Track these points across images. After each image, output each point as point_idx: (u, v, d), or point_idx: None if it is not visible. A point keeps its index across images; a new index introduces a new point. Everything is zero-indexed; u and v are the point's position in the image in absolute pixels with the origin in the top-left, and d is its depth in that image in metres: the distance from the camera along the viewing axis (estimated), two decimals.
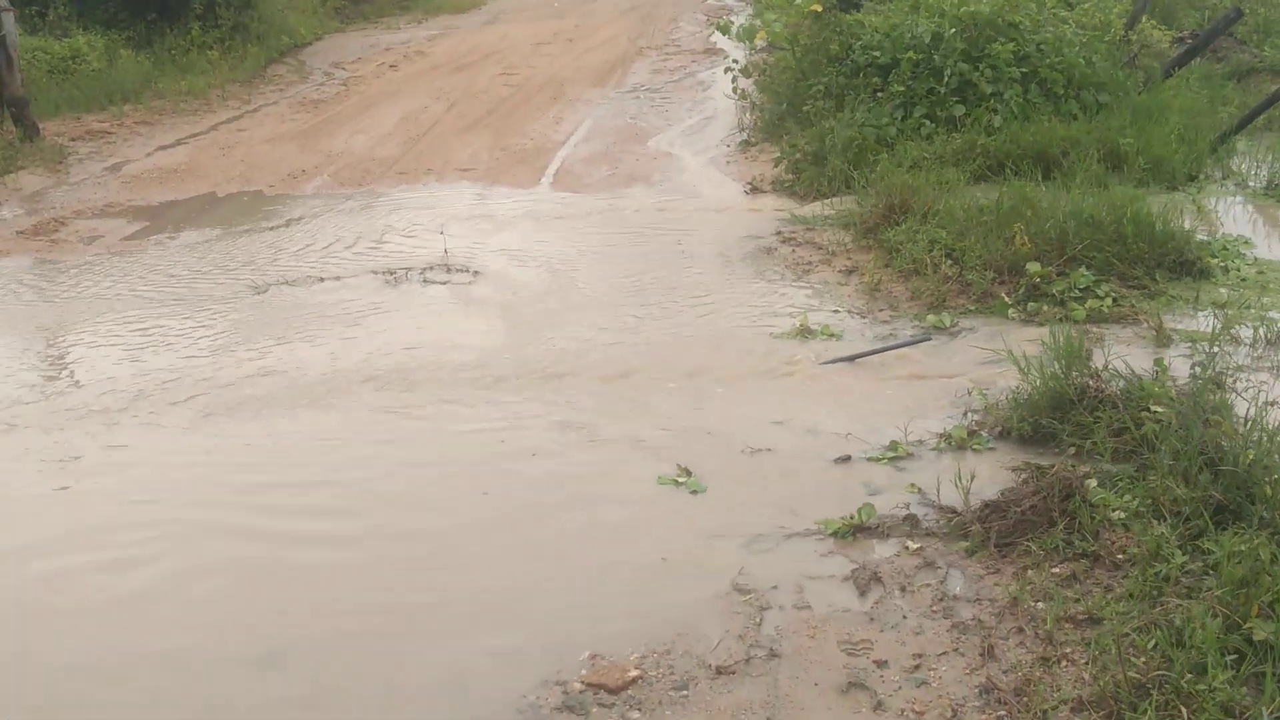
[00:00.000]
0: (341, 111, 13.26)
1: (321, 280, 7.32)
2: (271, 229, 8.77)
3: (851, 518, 4.06)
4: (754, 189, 9.41)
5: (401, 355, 5.95)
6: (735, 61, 12.72)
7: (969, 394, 5.16)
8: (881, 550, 3.93)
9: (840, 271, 7.03)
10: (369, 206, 9.39)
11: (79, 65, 14.13)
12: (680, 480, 4.46)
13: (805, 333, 5.97)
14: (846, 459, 4.59)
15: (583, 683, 3.26)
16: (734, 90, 12.07)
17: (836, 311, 6.35)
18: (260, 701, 3.32)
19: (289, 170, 10.82)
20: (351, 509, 4.43)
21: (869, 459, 4.59)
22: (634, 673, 3.27)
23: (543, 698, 3.22)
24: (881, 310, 6.32)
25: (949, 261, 6.61)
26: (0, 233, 9.03)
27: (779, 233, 7.99)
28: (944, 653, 3.37)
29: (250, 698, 3.34)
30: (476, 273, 7.41)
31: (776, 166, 9.60)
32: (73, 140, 12.37)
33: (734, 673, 3.27)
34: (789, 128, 10.40)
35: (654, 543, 4.04)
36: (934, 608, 3.60)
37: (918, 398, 5.22)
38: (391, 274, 7.38)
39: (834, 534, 4.01)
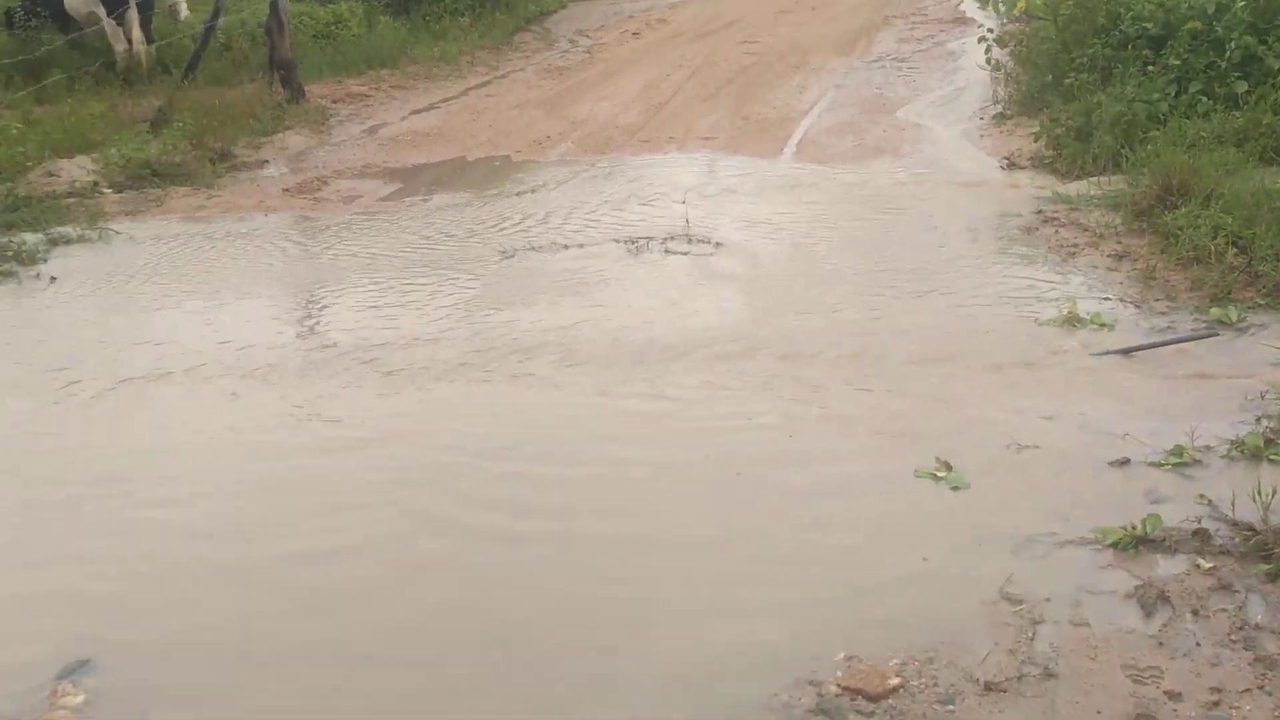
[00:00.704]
0: (585, 79, 13.37)
1: (565, 247, 7.35)
2: (518, 194, 8.90)
3: (1133, 528, 3.70)
4: (1011, 164, 8.88)
5: (641, 326, 5.88)
6: (990, 31, 12.08)
7: (1262, 397, 4.66)
8: (1168, 567, 3.57)
9: (1110, 256, 6.51)
10: (611, 174, 9.41)
11: (341, 31, 14.84)
12: (940, 475, 4.20)
13: (1073, 321, 5.55)
14: (1124, 462, 4.21)
15: (839, 686, 3.08)
16: (988, 61, 11.43)
17: (1107, 299, 5.87)
18: (487, 693, 3.29)
19: (535, 136, 10.98)
20: (585, 486, 4.38)
21: (1150, 463, 4.19)
22: (894, 680, 3.07)
23: (796, 698, 3.06)
24: (1157, 300, 5.81)
25: (1235, 250, 6.02)
26: (268, 190, 9.52)
27: (1040, 212, 7.50)
28: (1247, 690, 3.01)
29: (476, 693, 3.32)
30: (718, 244, 7.28)
31: (1036, 141, 9.03)
32: (334, 103, 12.96)
33: (1004, 690, 3.03)
34: (1049, 101, 9.79)
35: (912, 540, 3.80)
36: (1232, 637, 3.23)
37: (1203, 398, 4.76)
38: (633, 243, 7.34)
39: (1113, 545, 3.67)
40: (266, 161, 10.60)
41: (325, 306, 6.66)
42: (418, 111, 12.44)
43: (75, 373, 5.64)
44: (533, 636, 3.45)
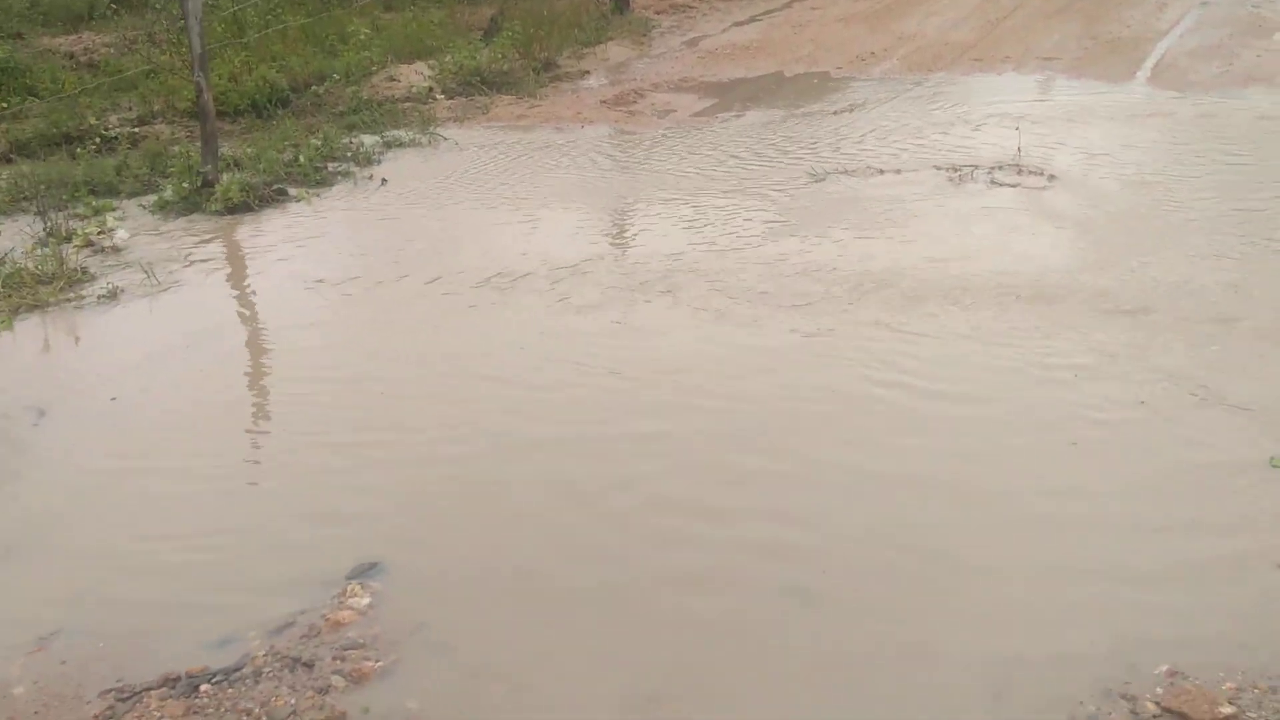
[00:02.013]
0: None
1: (881, 173, 6.94)
2: (835, 113, 8.50)
3: None
4: None
5: (955, 265, 5.43)
6: None
7: None
8: None
9: None
10: (937, 94, 8.81)
11: None
12: None
13: None
14: None
15: (1158, 705, 2.68)
16: None
17: None
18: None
19: (857, 52, 10.47)
20: (867, 446, 4.07)
21: None
22: (1227, 709, 2.64)
23: (1104, 711, 2.69)
24: None
25: None
26: (586, 101, 9.59)
27: None
28: None
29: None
30: (1052, 176, 6.64)
31: None
32: (657, 14, 12.90)
33: None
34: None
35: (1264, 543, 3.27)
36: None
37: None
38: (955, 171, 6.83)
39: None
40: (588, 72, 10.69)
41: (631, 225, 6.61)
42: (739, 24, 12.18)
43: (384, 271, 5.88)
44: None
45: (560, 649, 3.10)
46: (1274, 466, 3.63)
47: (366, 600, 3.33)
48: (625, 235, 6.43)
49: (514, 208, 6.87)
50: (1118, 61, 9.36)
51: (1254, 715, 2.64)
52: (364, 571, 3.46)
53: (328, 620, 3.24)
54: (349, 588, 3.38)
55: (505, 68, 10.42)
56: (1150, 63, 9.24)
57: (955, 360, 4.53)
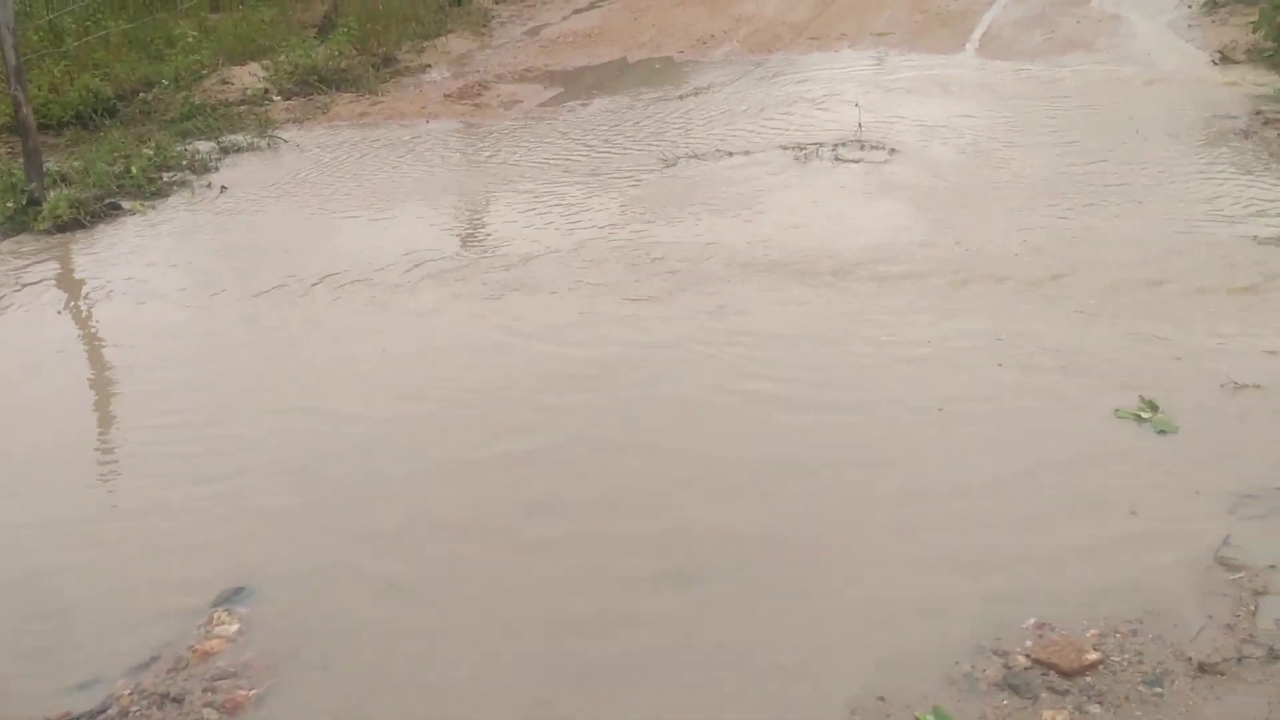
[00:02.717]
0: None
1: (730, 155, 7.01)
2: (680, 98, 8.56)
3: None
4: (1224, 59, 8.07)
5: (806, 242, 5.51)
6: None
7: None
8: None
9: None
10: (778, 74, 8.95)
11: None
12: (1144, 415, 3.77)
13: None
14: None
15: (1028, 658, 2.78)
16: None
17: None
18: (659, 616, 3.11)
19: (698, 35, 10.56)
20: (735, 418, 4.12)
21: None
22: (1092, 655, 2.75)
23: (979, 668, 2.77)
24: None
25: None
26: (430, 95, 9.43)
27: (1259, 113, 6.78)
28: None
29: (652, 612, 3.14)
30: (893, 150, 6.81)
31: (1254, 32, 8.15)
32: (497, 3, 12.78)
33: (1222, 673, 2.67)
34: None
35: (1114, 492, 3.42)
36: None
37: None
38: (801, 149, 6.94)
39: None
40: (429, 66, 10.51)
41: (482, 218, 6.52)
42: (580, 11, 12.15)
43: (227, 282, 5.66)
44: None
45: (442, 658, 3.03)
46: (1118, 417, 3.79)
47: (235, 627, 3.20)
48: (478, 230, 6.34)
49: (362, 208, 6.70)
50: (947, 34, 9.67)
51: (1118, 659, 2.75)
52: (229, 597, 3.32)
53: (195, 651, 3.11)
54: (215, 615, 3.24)
55: (343, 65, 10.16)
56: (977, 34, 9.57)
57: (812, 336, 4.61)
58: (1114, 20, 9.51)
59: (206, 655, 3.09)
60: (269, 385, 4.65)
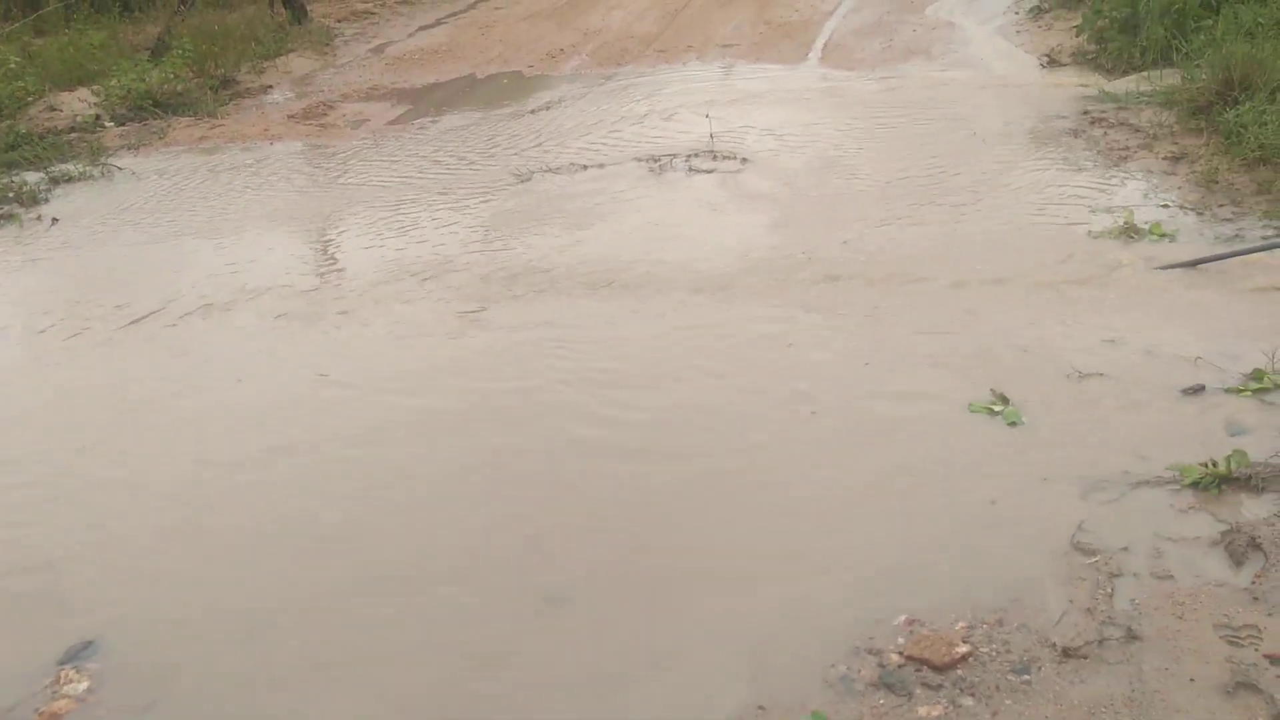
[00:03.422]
0: None
1: (585, 168, 6.99)
2: (532, 112, 8.51)
3: (1215, 465, 3.38)
4: (1051, 62, 8.42)
5: (667, 252, 5.52)
6: None
7: None
8: (1256, 509, 3.25)
9: (1165, 159, 6.11)
10: (629, 87, 8.98)
11: None
12: (995, 408, 3.88)
13: (1130, 232, 5.18)
14: (1199, 389, 3.87)
15: (901, 655, 2.81)
16: None
17: (1165, 206, 5.50)
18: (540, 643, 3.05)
19: (546, 49, 10.53)
20: (642, 423, 4.09)
21: (1227, 390, 3.86)
22: (962, 648, 2.80)
23: (855, 670, 2.79)
24: (1221, 206, 5.42)
25: None
26: (273, 116, 9.16)
27: (1086, 112, 7.08)
28: None
29: (531, 641, 3.07)
30: (745, 159, 6.89)
31: (1078, 36, 8.55)
32: (339, 21, 12.53)
33: (1085, 656, 2.75)
34: None
35: (970, 484, 3.50)
36: None
37: None
38: (655, 161, 6.97)
39: (1193, 485, 3.35)
40: (270, 87, 10.23)
41: (332, 243, 6.34)
42: (425, 28, 12.00)
43: (60, 320, 5.38)
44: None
45: (308, 694, 2.91)
46: (971, 411, 3.89)
47: (84, 685, 3.01)
48: (328, 255, 6.16)
49: (204, 236, 6.45)
50: (790, 45, 9.86)
51: (986, 649, 2.81)
52: (77, 653, 3.12)
53: (41, 715, 2.91)
54: (62, 674, 3.04)
55: (180, 88, 9.79)
56: (820, 43, 9.79)
57: (684, 343, 4.61)
58: (948, 27, 9.85)
59: (54, 717, 2.90)
60: (121, 402, 4.45)
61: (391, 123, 8.67)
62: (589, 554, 3.37)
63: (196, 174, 7.74)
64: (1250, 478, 3.35)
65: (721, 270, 5.23)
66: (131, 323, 5.30)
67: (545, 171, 7.00)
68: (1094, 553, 3.13)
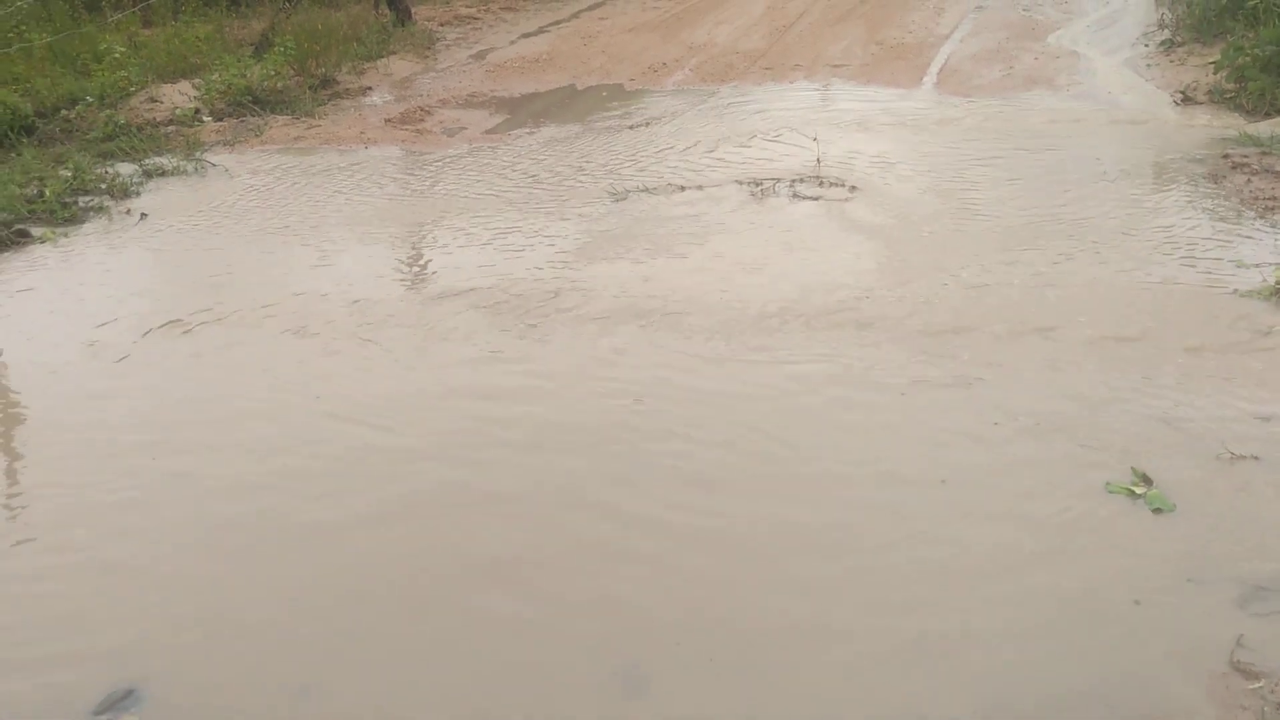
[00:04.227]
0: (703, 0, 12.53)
1: (683, 189, 6.67)
2: (631, 128, 8.22)
3: None
4: (1186, 99, 7.89)
5: (766, 287, 5.18)
6: None
7: None
8: None
9: None
10: (733, 105, 8.65)
11: None
12: (1137, 490, 3.47)
13: None
14: None
15: None
16: None
17: None
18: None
19: (649, 63, 10.26)
20: (669, 479, 3.77)
21: None
22: None
23: None
24: None
25: None
26: (370, 119, 9.03)
27: (1226, 156, 6.56)
28: None
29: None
30: (854, 187, 6.52)
31: (1215, 73, 7.99)
32: (441, 26, 12.41)
33: None
34: (1229, 26, 8.71)
35: (1113, 578, 3.11)
36: None
37: None
38: (758, 185, 6.63)
39: None
40: (370, 89, 10.11)
41: (424, 255, 6.12)
42: (527, 35, 11.81)
43: (118, 326, 5.22)
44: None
45: None
46: (1110, 492, 3.49)
47: None
48: (419, 266, 5.94)
49: (295, 240, 6.28)
50: (904, 67, 9.45)
51: None
52: (117, 702, 2.89)
53: None
54: None
55: (279, 86, 9.73)
56: (935, 68, 9.36)
57: (758, 399, 4.27)
58: (1072, 57, 9.35)
59: None
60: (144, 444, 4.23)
61: (488, 132, 8.47)
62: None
63: (289, 175, 7.61)
64: None
65: (806, 309, 4.87)
66: (184, 332, 5.12)
67: (641, 191, 6.70)
68: (1258, 676, 2.71)
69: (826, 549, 3.34)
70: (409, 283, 5.64)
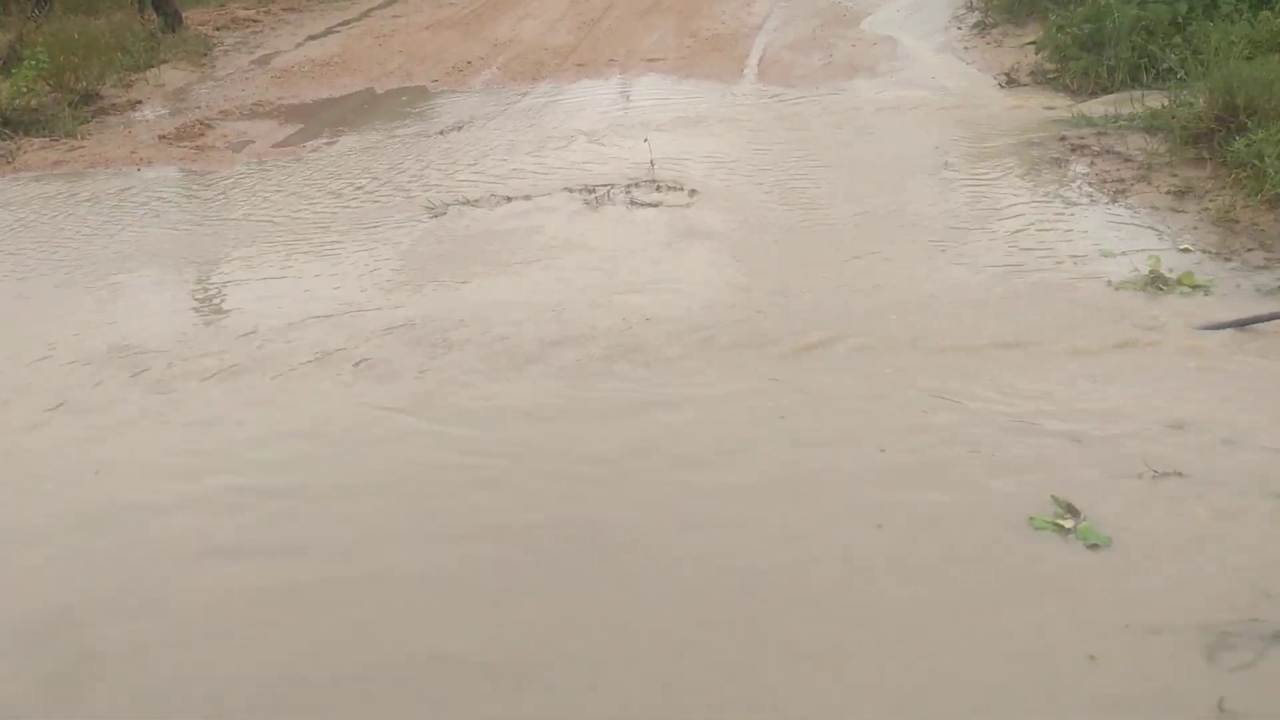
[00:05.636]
0: None
1: (508, 200, 6.06)
2: (441, 133, 7.55)
3: None
4: (1010, 81, 7.78)
5: (615, 308, 4.63)
6: None
7: None
8: None
9: (1169, 193, 5.43)
10: (549, 105, 8.09)
11: None
12: (1064, 524, 3.08)
13: (1158, 282, 4.47)
14: None
15: None
16: None
17: (1186, 251, 4.80)
18: None
19: (453, 62, 9.59)
20: (547, 525, 3.21)
21: None
22: None
23: None
24: (1250, 251, 4.75)
25: None
26: (141, 136, 8.06)
27: (1063, 138, 6.40)
28: None
29: None
30: (693, 191, 6.04)
31: (1038, 54, 7.91)
32: (217, 30, 11.41)
33: None
34: (1042, 6, 8.67)
35: (1056, 632, 2.69)
36: None
37: None
38: (591, 192, 6.08)
39: None
40: (139, 102, 9.08)
41: (208, 294, 5.31)
42: (314, 37, 10.94)
43: None
44: None
45: None
46: (1035, 528, 3.09)
47: None
48: (209, 306, 5.14)
49: (59, 282, 5.38)
50: (722, 60, 9.07)
51: None
52: None
53: None
54: None
55: (33, 103, 8.59)
56: (754, 59, 9.02)
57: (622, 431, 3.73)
58: (889, 43, 9.17)
59: None
60: None
61: (279, 144, 7.63)
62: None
63: (51, 205, 6.64)
64: None
65: (671, 330, 4.36)
66: None
67: (462, 204, 6.05)
68: None
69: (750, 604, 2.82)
70: (212, 324, 4.84)
